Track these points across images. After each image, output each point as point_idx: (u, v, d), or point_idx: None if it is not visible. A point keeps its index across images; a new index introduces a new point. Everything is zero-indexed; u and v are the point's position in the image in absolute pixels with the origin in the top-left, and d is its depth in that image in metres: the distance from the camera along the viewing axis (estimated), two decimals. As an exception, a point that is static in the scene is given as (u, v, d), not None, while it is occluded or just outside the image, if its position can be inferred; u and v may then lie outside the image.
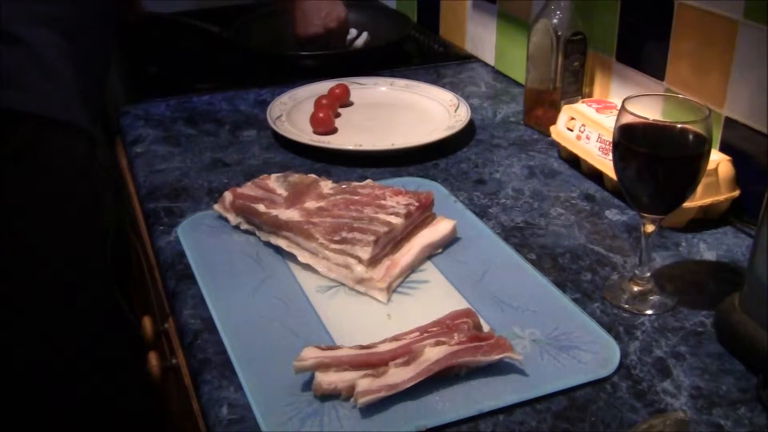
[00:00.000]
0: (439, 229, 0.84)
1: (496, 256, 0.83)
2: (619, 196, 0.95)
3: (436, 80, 1.31)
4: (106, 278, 1.04)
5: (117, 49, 1.12)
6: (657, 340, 0.72)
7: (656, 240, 0.86)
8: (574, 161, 1.02)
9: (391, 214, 0.82)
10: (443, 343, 0.66)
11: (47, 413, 0.97)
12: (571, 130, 1.01)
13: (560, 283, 0.79)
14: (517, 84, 1.30)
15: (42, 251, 0.93)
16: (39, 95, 0.89)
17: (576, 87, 1.10)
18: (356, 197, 0.85)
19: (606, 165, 0.94)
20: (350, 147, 1.04)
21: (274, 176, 0.92)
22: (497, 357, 0.66)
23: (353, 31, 1.47)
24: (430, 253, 0.83)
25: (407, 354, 0.66)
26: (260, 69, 1.37)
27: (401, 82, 1.25)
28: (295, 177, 0.91)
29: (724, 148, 0.91)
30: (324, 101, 1.14)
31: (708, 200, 0.87)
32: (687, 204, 0.82)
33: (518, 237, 0.87)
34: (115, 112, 1.21)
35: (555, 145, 1.06)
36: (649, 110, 0.72)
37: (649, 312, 0.75)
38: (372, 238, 0.78)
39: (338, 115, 1.17)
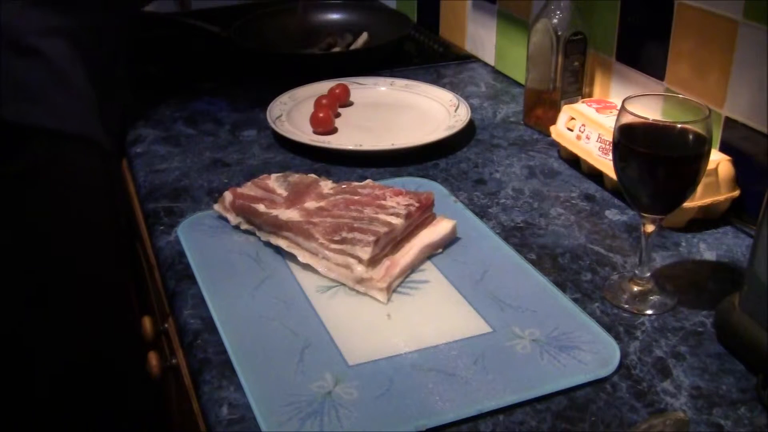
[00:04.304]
0: (439, 229, 0.84)
1: (496, 256, 0.83)
2: (619, 196, 0.95)
3: (436, 80, 1.31)
4: (116, 281, 1.03)
5: (130, 59, 1.10)
6: (657, 340, 0.72)
7: (656, 240, 0.86)
8: (574, 161, 1.02)
9: (392, 214, 0.82)
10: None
11: (47, 413, 0.97)
12: (571, 130, 1.01)
13: (560, 283, 0.79)
14: (517, 84, 1.30)
15: (53, 261, 0.92)
16: (54, 109, 0.89)
17: (576, 87, 1.10)
18: (356, 197, 0.85)
19: (606, 165, 0.94)
20: (350, 147, 1.04)
21: (274, 176, 0.92)
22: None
23: (348, 36, 1.47)
24: (430, 253, 0.83)
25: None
26: (260, 69, 1.37)
27: (401, 82, 1.25)
28: (295, 177, 0.91)
29: (724, 148, 0.91)
30: (324, 101, 1.14)
31: (708, 200, 0.87)
32: (687, 204, 0.82)
33: (518, 237, 0.87)
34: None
35: (555, 145, 1.06)
36: (649, 110, 0.72)
37: (649, 312, 0.75)
38: (372, 238, 0.78)
39: (338, 115, 1.17)
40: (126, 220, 1.12)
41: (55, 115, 0.89)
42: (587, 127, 0.98)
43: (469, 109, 1.14)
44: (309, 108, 1.14)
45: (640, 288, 0.77)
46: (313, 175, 0.92)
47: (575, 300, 0.76)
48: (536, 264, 0.82)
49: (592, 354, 0.69)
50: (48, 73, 0.88)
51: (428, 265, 0.82)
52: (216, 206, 0.89)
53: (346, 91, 1.20)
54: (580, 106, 1.02)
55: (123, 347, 1.02)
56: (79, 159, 0.93)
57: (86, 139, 0.93)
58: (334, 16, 1.56)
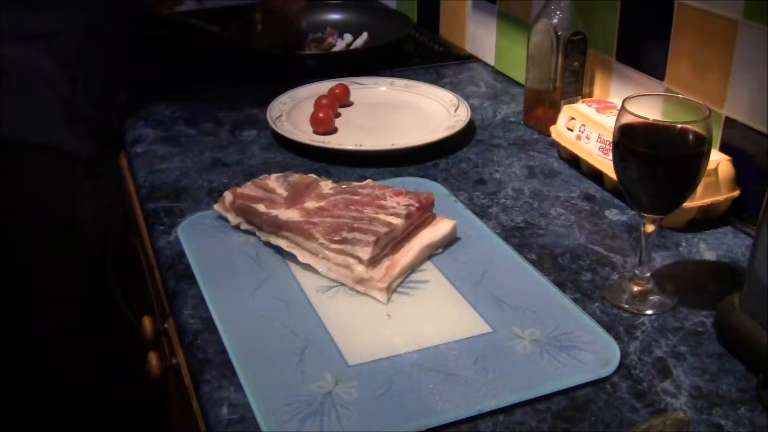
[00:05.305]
0: (439, 229, 0.84)
1: (496, 256, 0.83)
2: (619, 196, 0.95)
3: (436, 80, 1.31)
4: (101, 280, 1.03)
5: (130, 60, 1.09)
6: (657, 340, 0.72)
7: (656, 240, 0.86)
8: (574, 161, 1.02)
9: (392, 214, 0.82)
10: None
11: (47, 413, 0.97)
12: (571, 130, 1.01)
13: (560, 283, 0.79)
14: (517, 84, 1.30)
15: (25, 262, 0.91)
16: (10, 115, 0.88)
17: (576, 87, 1.10)
18: (356, 197, 0.85)
19: (606, 165, 0.94)
20: (350, 147, 1.04)
21: (274, 176, 0.92)
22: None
23: (348, 36, 1.48)
24: (430, 253, 0.83)
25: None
26: (260, 69, 1.37)
27: (401, 82, 1.25)
28: (295, 177, 0.91)
29: (724, 148, 0.91)
30: (324, 101, 1.14)
31: (708, 200, 0.87)
32: (687, 204, 0.82)
33: (518, 237, 0.87)
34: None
35: (555, 145, 1.06)
36: (649, 110, 0.72)
37: (649, 312, 0.75)
38: (372, 238, 0.78)
39: (338, 115, 1.17)
40: (107, 224, 1.11)
41: (10, 122, 0.87)
42: (587, 127, 0.98)
43: (469, 109, 1.14)
44: (309, 108, 1.14)
45: (640, 288, 0.77)
46: (313, 175, 0.92)
47: (575, 300, 0.76)
48: (536, 264, 0.82)
49: (592, 354, 0.69)
50: (6, 81, 0.87)
51: (428, 265, 0.82)
52: (216, 206, 0.89)
53: (346, 91, 1.20)
54: (580, 106, 1.02)
55: (123, 347, 1.02)
56: (38, 168, 0.92)
57: (50, 147, 0.92)
58: (334, 16, 1.56)
